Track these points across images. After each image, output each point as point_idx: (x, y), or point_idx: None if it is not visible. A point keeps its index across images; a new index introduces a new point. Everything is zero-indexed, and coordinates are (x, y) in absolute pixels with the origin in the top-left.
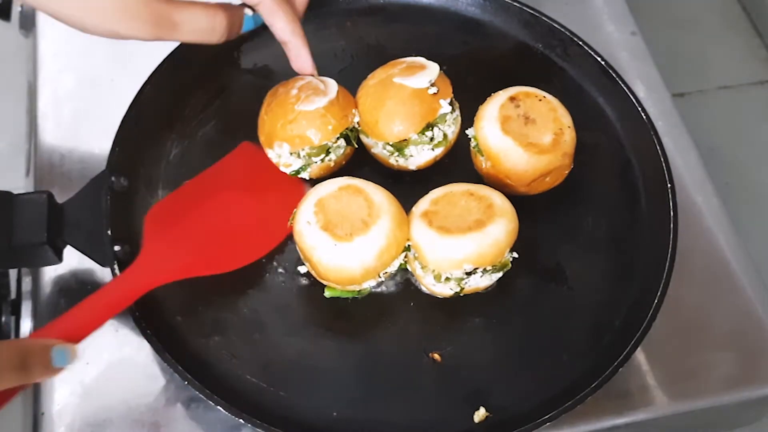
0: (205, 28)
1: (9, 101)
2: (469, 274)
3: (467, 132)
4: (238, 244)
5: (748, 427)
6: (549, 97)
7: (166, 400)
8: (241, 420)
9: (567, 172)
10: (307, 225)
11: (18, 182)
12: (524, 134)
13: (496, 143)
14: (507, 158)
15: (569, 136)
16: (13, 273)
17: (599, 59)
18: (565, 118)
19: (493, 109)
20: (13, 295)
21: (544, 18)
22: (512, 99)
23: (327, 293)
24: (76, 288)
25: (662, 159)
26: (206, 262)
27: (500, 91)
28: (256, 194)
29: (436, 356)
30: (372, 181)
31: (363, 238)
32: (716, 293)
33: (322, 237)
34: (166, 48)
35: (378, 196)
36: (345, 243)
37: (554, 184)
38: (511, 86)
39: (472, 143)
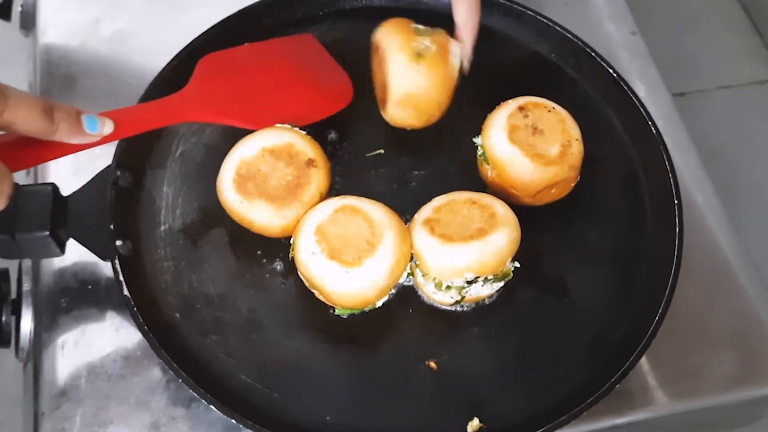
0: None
1: None
2: (470, 282)
3: (474, 140)
4: (276, 107)
5: (748, 427)
6: (558, 108)
7: (166, 400)
8: (233, 420)
9: (573, 184)
10: (312, 255)
11: (19, 181)
12: (531, 144)
13: (503, 152)
14: (513, 168)
15: (577, 149)
16: (13, 273)
17: (611, 71)
18: (574, 130)
19: (501, 118)
20: (13, 295)
21: (557, 27)
22: (521, 108)
23: (338, 311)
24: (77, 288)
25: (671, 174)
26: (244, 114)
27: (509, 100)
28: (305, 73)
29: (433, 364)
30: (365, 195)
31: (372, 259)
32: (716, 293)
33: (331, 266)
34: (166, 48)
35: (376, 212)
36: (355, 268)
37: (560, 196)
38: (522, 95)
39: (479, 151)
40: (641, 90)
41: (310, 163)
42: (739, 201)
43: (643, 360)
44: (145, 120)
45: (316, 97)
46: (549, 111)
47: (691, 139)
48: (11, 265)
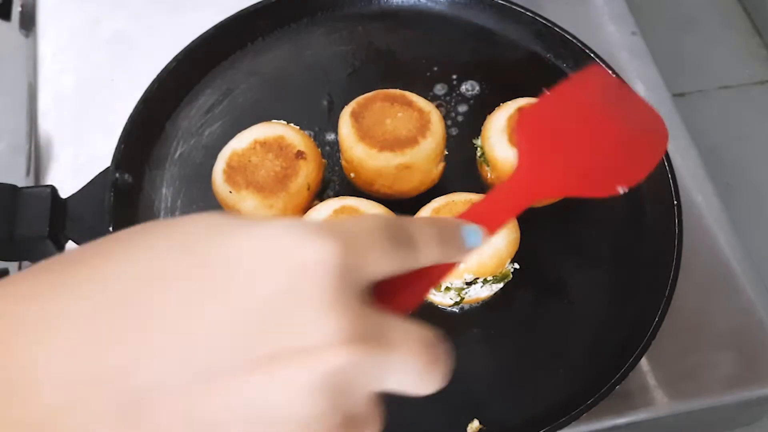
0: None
1: (9, 101)
2: (469, 284)
3: (474, 141)
4: (611, 165)
5: (748, 427)
6: None
7: None
8: None
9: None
10: None
11: (18, 182)
12: None
13: (502, 154)
14: (512, 169)
15: None
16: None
17: (611, 72)
18: None
19: (500, 120)
20: None
21: (556, 29)
22: (520, 110)
23: None
24: None
25: (670, 175)
26: (584, 181)
27: (509, 102)
28: (619, 117)
29: None
30: (365, 197)
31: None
32: (716, 293)
33: None
34: (166, 48)
35: (375, 212)
36: None
37: (557, 199)
38: (521, 96)
39: (478, 153)
40: (641, 90)
41: (299, 154)
42: (739, 201)
43: (643, 360)
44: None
45: (641, 146)
46: None
47: (691, 139)
48: (11, 266)
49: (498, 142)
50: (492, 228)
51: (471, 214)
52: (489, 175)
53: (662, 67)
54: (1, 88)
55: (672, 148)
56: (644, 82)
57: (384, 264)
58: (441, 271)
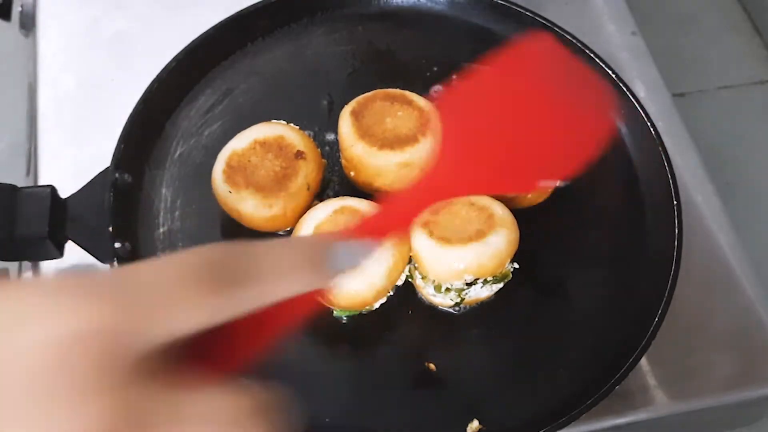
0: None
1: (9, 101)
2: (469, 284)
3: None
4: (544, 157)
5: (747, 427)
6: None
7: None
8: None
9: (550, 189)
10: None
11: (18, 182)
12: None
13: None
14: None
15: None
16: (13, 274)
17: (611, 72)
18: None
19: None
20: None
21: (556, 29)
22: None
23: (336, 314)
24: None
25: (670, 177)
26: (502, 179)
27: None
28: (561, 95)
29: (432, 366)
30: (364, 197)
31: (369, 261)
32: (716, 293)
33: None
34: (166, 48)
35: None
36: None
37: (538, 201)
38: None
39: None
40: (641, 90)
41: (299, 154)
42: (739, 201)
43: (643, 360)
44: (400, 218)
45: (582, 135)
46: None
47: (691, 139)
48: (11, 267)
49: None
50: (386, 237)
51: (364, 226)
52: None
53: (662, 67)
54: (1, 88)
55: (672, 148)
56: (644, 82)
57: (188, 318)
58: (303, 304)
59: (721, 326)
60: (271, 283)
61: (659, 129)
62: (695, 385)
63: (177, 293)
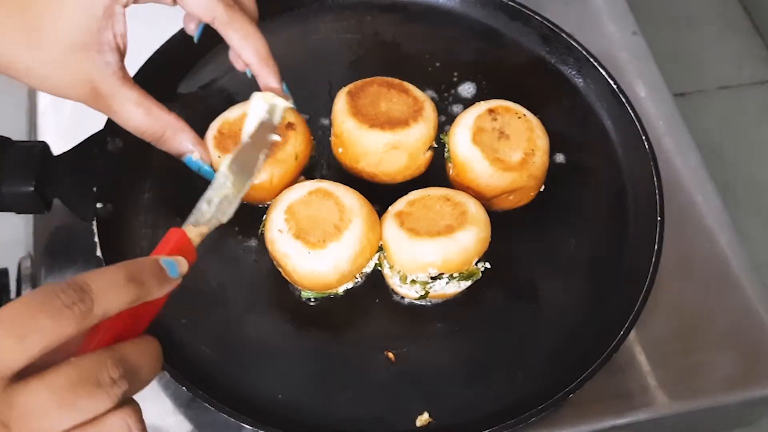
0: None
1: (9, 101)
2: (434, 278)
3: (441, 136)
4: None
5: (747, 427)
6: (529, 115)
7: (165, 402)
8: (184, 388)
9: (533, 194)
10: (279, 233)
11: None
12: (494, 148)
13: (464, 152)
14: (471, 169)
15: (540, 159)
16: (13, 275)
17: (612, 82)
18: (541, 141)
19: (469, 119)
20: (12, 295)
21: (563, 35)
22: (491, 111)
23: (303, 294)
24: None
25: (657, 192)
26: None
27: (482, 102)
28: None
29: (391, 355)
30: (348, 184)
31: (336, 243)
32: (716, 293)
33: (295, 245)
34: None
35: (348, 198)
36: (318, 250)
37: (518, 204)
38: (519, 99)
39: (445, 150)
40: (642, 90)
41: (290, 126)
42: (739, 201)
43: (644, 360)
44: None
45: None
46: (519, 117)
47: (691, 139)
48: (11, 267)
49: (461, 139)
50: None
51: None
52: (451, 171)
53: (662, 67)
54: (1, 88)
55: (672, 148)
56: (644, 82)
57: (41, 339)
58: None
59: (721, 326)
60: (105, 298)
61: (660, 129)
62: (696, 385)
63: (27, 324)
